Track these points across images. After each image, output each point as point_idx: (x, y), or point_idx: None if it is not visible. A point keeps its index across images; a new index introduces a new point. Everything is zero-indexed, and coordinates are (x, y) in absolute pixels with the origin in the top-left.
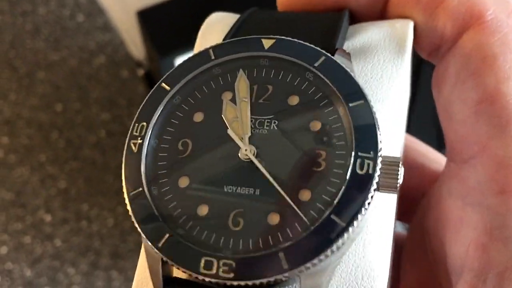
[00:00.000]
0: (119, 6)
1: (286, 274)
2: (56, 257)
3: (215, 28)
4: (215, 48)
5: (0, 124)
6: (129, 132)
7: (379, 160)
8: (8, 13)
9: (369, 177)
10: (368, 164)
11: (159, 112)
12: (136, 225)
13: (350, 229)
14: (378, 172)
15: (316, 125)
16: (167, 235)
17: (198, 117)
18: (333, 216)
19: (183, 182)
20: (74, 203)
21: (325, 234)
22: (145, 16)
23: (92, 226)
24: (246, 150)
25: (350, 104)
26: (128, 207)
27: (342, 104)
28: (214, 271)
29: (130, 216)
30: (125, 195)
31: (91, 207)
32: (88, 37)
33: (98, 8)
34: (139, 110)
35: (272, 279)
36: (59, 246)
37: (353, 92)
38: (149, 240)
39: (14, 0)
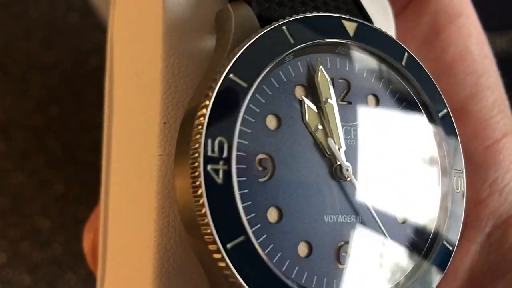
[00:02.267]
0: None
1: None
2: (55, 263)
3: None
4: (290, 26)
5: None
6: (200, 150)
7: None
8: None
9: (463, 195)
10: (461, 181)
11: (239, 122)
12: (241, 281)
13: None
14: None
15: (401, 135)
16: None
17: (272, 122)
18: (445, 242)
19: (273, 215)
20: (72, 208)
21: (439, 262)
22: None
23: None
24: (348, 170)
25: (439, 114)
26: (227, 261)
27: (430, 113)
28: None
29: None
30: (219, 247)
31: (89, 211)
32: (82, 38)
33: (91, 8)
34: (206, 115)
35: None
36: (58, 251)
37: (440, 99)
38: None
39: (5, 3)
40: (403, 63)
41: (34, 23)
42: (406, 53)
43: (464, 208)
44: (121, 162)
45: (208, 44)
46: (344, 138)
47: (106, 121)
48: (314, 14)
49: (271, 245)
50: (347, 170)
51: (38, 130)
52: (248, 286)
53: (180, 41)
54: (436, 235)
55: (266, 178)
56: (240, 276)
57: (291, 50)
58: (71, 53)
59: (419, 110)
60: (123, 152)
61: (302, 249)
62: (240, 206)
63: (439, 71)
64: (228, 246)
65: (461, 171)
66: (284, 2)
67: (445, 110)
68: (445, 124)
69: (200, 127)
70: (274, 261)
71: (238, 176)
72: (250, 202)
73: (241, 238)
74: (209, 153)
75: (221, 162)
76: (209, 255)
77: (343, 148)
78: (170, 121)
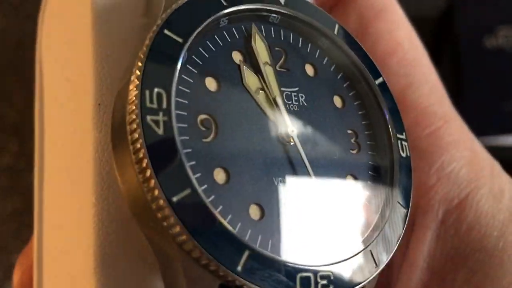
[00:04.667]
0: None
1: (379, 271)
2: None
3: None
4: None
5: (8, 129)
6: (137, 101)
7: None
8: (12, 16)
9: (409, 160)
10: (406, 146)
11: (176, 75)
12: (200, 246)
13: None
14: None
15: (338, 101)
16: (247, 253)
17: (211, 84)
18: (399, 201)
19: (220, 177)
20: None
21: (396, 221)
22: None
23: None
24: (293, 131)
25: (377, 81)
26: (175, 218)
27: (365, 80)
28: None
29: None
30: (163, 201)
31: None
32: None
33: None
34: (141, 66)
35: (370, 278)
36: None
37: (374, 69)
38: (224, 265)
39: (17, 4)
40: (335, 32)
41: None
42: (337, 24)
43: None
44: (56, 154)
45: (142, 24)
46: (286, 102)
47: (37, 115)
48: None
49: (221, 206)
50: (293, 131)
51: None
52: (198, 242)
53: (111, 22)
54: (391, 182)
55: (210, 139)
56: (189, 231)
57: (225, 12)
58: None
59: (357, 79)
60: (57, 142)
61: (254, 212)
62: (184, 156)
63: None
64: (174, 199)
65: (405, 139)
66: None
67: (380, 79)
68: (383, 91)
69: (136, 80)
70: (227, 219)
71: (180, 135)
72: (194, 162)
73: (187, 191)
74: (148, 104)
75: (160, 113)
76: (154, 220)
77: (286, 111)
78: (104, 102)
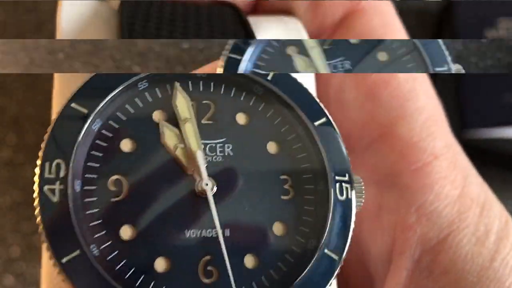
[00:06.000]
0: None
1: None
2: None
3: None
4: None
5: (7, 122)
6: (38, 174)
7: (354, 182)
8: (11, 10)
9: (350, 203)
10: (347, 189)
11: (76, 145)
12: None
13: (342, 260)
14: (354, 195)
15: (273, 147)
16: None
17: (127, 145)
18: (326, 251)
19: (126, 233)
20: None
21: (323, 271)
22: None
23: None
24: (207, 184)
25: (315, 123)
26: (64, 275)
27: (303, 123)
28: None
29: None
30: (55, 261)
31: None
32: None
33: None
34: (44, 142)
35: None
36: None
37: (315, 107)
38: None
39: None
40: (269, 77)
41: (45, 15)
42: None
43: (353, 216)
44: None
45: None
46: (209, 155)
47: None
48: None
49: (124, 261)
50: (207, 185)
51: (49, 123)
52: None
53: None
54: (316, 245)
55: (120, 197)
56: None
57: (141, 76)
58: None
59: (295, 123)
60: None
61: (160, 264)
62: (74, 221)
63: (363, 96)
64: (64, 260)
65: (348, 180)
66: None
67: (323, 119)
68: (323, 132)
69: (40, 153)
70: (127, 276)
71: (87, 197)
72: (100, 221)
73: (76, 252)
74: (46, 174)
75: (57, 182)
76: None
77: (204, 164)
78: None
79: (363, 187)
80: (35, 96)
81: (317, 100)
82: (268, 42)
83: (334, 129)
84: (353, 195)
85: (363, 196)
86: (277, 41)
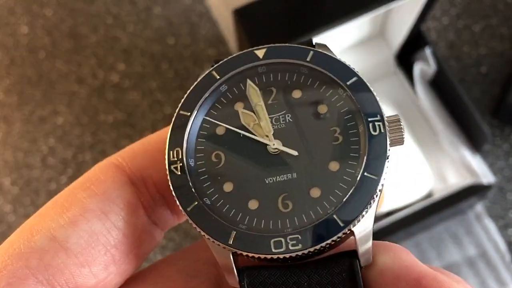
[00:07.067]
0: None
1: (345, 230)
2: None
3: None
4: (216, 69)
5: (118, 51)
6: (166, 159)
7: (385, 120)
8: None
9: (384, 135)
10: (379, 126)
11: (186, 137)
12: (203, 233)
13: (382, 179)
14: (388, 130)
15: (323, 108)
16: (234, 232)
17: (220, 130)
18: (366, 174)
19: (228, 187)
20: None
21: (366, 190)
22: (241, 14)
23: None
24: (274, 144)
25: (348, 82)
26: (190, 220)
27: (340, 85)
28: (283, 248)
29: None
30: (183, 211)
31: None
32: None
33: None
34: (168, 141)
35: (334, 238)
36: None
37: (347, 72)
38: (219, 242)
39: None
40: (309, 59)
41: None
42: (311, 52)
43: (387, 146)
44: None
45: None
46: (274, 124)
47: None
48: (234, 55)
49: (227, 205)
50: (274, 145)
51: (155, 56)
52: (209, 235)
53: None
54: (357, 170)
55: (220, 165)
56: (200, 228)
57: (220, 82)
58: None
59: (333, 87)
60: None
61: (252, 204)
62: (192, 184)
63: None
64: (188, 209)
65: (379, 119)
66: None
67: (354, 78)
68: (355, 88)
69: (166, 146)
70: (231, 214)
71: (199, 168)
72: (209, 182)
73: (195, 203)
74: (171, 158)
75: (178, 162)
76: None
77: (271, 131)
78: None
79: (400, 124)
80: (145, 30)
81: (348, 64)
82: (217, 99)
83: (364, 84)
84: (386, 130)
85: (402, 130)
86: (226, 97)
